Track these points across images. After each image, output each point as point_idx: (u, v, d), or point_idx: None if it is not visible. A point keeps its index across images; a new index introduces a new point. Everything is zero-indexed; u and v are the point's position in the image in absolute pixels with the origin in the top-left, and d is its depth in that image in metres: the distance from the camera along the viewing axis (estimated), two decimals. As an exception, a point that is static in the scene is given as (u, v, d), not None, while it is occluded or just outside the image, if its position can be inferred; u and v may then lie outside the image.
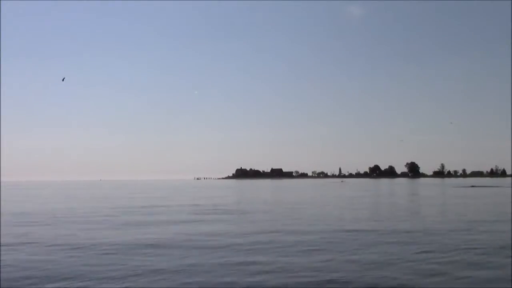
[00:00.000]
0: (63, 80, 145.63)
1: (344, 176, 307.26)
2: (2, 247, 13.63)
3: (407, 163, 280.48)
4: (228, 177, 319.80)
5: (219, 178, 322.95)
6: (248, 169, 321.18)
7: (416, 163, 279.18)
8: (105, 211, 29.15)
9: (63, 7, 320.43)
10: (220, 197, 48.24)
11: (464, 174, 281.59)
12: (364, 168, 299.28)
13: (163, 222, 21.45)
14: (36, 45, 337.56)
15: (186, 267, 10.48)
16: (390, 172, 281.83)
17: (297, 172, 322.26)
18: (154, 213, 26.66)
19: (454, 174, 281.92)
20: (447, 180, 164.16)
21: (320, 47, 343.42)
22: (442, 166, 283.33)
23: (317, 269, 10.34)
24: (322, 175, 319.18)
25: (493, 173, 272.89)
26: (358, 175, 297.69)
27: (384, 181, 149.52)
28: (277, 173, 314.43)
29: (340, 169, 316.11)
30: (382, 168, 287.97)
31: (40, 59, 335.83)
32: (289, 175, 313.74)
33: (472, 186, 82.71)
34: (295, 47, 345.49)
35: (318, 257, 11.76)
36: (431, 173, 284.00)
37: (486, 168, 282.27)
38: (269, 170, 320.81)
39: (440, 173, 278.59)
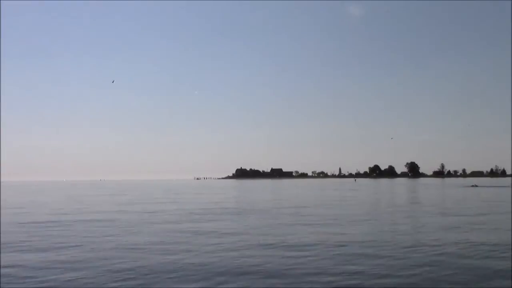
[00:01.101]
0: (112, 82, 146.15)
1: (344, 176, 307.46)
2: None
3: (407, 163, 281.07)
4: (228, 177, 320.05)
5: (219, 178, 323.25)
6: (248, 169, 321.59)
7: (416, 163, 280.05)
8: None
9: (63, 7, 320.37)
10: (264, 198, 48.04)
11: (464, 174, 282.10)
12: (364, 168, 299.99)
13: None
14: (36, 45, 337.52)
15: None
16: (390, 172, 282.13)
17: (297, 172, 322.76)
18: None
19: (454, 174, 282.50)
20: (447, 180, 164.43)
21: (320, 47, 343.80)
22: (442, 166, 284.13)
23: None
24: (322, 175, 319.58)
25: (493, 173, 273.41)
26: (358, 175, 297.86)
27: (385, 181, 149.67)
28: (277, 173, 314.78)
29: (340, 169, 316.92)
30: (382, 168, 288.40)
31: (40, 59, 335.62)
32: (289, 175, 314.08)
33: (474, 186, 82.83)
34: (295, 47, 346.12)
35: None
36: (431, 173, 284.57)
37: (486, 168, 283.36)
38: (269, 170, 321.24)
39: (440, 173, 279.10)
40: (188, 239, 15.07)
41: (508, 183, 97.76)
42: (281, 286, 9.05)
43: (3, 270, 10.52)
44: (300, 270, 10.26)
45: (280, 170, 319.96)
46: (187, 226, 19.21)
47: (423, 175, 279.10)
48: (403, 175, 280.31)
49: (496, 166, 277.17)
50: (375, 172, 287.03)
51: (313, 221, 21.00)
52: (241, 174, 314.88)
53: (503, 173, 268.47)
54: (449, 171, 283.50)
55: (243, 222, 21.07)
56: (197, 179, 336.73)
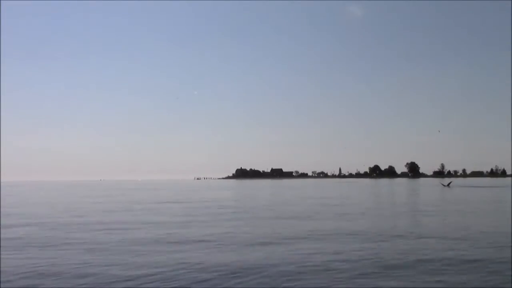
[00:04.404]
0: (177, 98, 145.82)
1: (344, 176, 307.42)
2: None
3: (407, 163, 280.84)
4: (228, 177, 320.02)
5: (219, 178, 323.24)
6: (248, 169, 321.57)
7: (416, 163, 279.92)
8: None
9: (64, 7, 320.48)
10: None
11: (464, 174, 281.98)
12: (364, 168, 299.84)
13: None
14: (36, 45, 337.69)
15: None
16: (390, 172, 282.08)
17: (297, 172, 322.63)
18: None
19: (454, 174, 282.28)
20: (447, 180, 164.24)
21: (320, 47, 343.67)
22: (442, 166, 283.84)
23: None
24: (322, 175, 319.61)
25: (493, 173, 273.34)
26: (358, 175, 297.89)
27: (386, 181, 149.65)
28: (277, 173, 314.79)
29: (340, 169, 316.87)
30: (382, 168, 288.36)
31: (41, 59, 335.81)
32: (289, 175, 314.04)
33: (447, 185, 79.44)
34: (295, 47, 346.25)
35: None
36: (431, 173, 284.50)
37: (486, 168, 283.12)
38: (269, 170, 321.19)
39: (440, 173, 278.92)
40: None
41: (508, 184, 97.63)
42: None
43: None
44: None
45: (280, 170, 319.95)
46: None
47: (423, 175, 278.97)
48: (403, 175, 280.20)
49: (496, 166, 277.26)
50: (375, 172, 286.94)
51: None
52: (241, 174, 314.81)
53: (503, 173, 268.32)
54: (449, 171, 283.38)
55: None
56: (197, 179, 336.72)
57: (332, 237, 15.14)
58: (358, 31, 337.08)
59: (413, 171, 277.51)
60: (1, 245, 13.98)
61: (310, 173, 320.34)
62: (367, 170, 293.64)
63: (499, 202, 35.36)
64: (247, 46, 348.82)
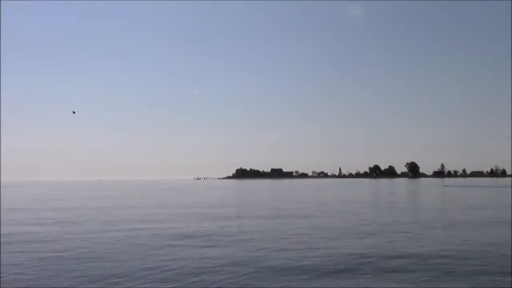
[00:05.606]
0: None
1: (344, 176, 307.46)
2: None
3: (407, 163, 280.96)
4: (228, 177, 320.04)
5: (219, 178, 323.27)
6: (248, 169, 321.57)
7: (416, 163, 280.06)
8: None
9: (64, 7, 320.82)
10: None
11: (464, 174, 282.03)
12: (364, 168, 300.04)
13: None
14: (36, 45, 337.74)
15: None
16: (390, 172, 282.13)
17: (297, 172, 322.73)
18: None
19: (454, 174, 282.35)
20: (447, 180, 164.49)
21: (320, 47, 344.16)
22: (442, 166, 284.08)
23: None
24: (322, 175, 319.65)
25: (493, 173, 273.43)
26: (358, 175, 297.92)
27: (388, 181, 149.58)
28: (277, 173, 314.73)
29: (340, 169, 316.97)
30: (382, 168, 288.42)
31: (41, 59, 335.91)
32: (289, 175, 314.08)
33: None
34: (295, 47, 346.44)
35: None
36: (431, 173, 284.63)
37: (486, 168, 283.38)
38: (269, 170, 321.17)
39: (440, 173, 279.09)
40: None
41: (507, 184, 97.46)
42: None
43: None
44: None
45: (280, 170, 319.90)
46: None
47: (423, 175, 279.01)
48: (403, 175, 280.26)
49: (496, 166, 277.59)
50: (375, 172, 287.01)
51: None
52: (241, 174, 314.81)
53: (503, 173, 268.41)
54: (449, 171, 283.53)
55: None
56: (197, 179, 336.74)
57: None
58: (358, 31, 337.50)
59: (413, 171, 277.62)
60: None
61: (310, 173, 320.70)
62: (367, 170, 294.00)
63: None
64: (247, 46, 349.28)
